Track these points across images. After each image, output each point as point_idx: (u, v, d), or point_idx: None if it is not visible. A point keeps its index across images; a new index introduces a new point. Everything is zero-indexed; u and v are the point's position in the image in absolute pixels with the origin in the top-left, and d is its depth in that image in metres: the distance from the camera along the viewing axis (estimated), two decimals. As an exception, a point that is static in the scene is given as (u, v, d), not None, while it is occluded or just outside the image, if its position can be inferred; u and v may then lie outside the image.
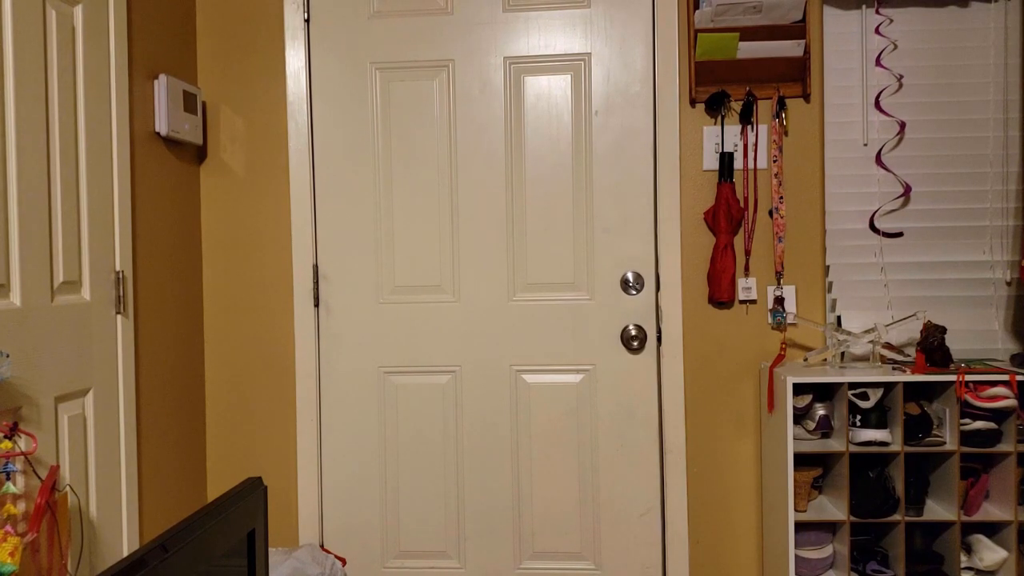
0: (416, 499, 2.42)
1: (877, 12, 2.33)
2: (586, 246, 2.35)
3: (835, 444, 2.12)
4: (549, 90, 2.36)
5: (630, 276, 2.33)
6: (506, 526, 2.38)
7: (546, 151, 2.37)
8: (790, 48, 2.22)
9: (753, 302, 2.36)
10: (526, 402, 2.38)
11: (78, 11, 1.88)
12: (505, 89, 2.37)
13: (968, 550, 2.11)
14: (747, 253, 2.35)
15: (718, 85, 2.33)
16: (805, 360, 2.27)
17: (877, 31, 2.34)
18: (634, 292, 2.33)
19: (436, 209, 2.39)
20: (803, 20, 2.23)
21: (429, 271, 2.40)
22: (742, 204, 2.34)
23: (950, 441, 2.07)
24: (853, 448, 2.08)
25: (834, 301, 2.36)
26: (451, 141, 2.38)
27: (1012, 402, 2.01)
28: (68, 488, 1.79)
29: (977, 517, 2.07)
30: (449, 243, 2.39)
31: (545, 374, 2.38)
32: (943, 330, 2.12)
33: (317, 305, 2.43)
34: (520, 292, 2.37)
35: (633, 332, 2.33)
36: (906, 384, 2.10)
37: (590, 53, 2.35)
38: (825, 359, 2.22)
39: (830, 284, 2.36)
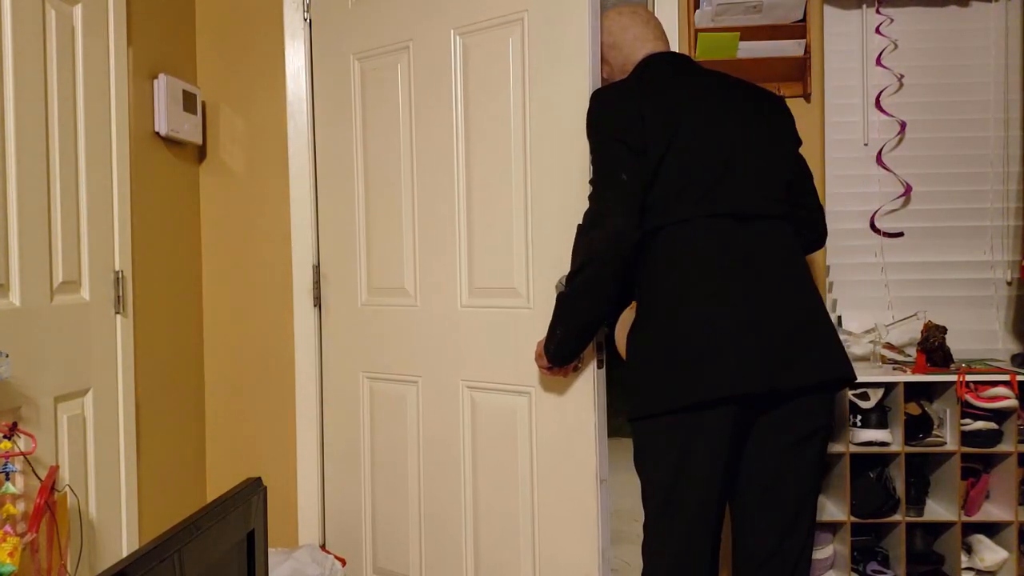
0: (389, 515, 2.27)
1: (877, 12, 2.33)
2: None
3: (835, 444, 2.11)
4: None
5: None
6: (460, 554, 2.13)
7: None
8: (790, 48, 2.21)
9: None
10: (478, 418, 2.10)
11: (78, 11, 1.88)
12: (454, 79, 2.09)
13: (969, 550, 2.11)
14: (747, 253, 2.35)
15: (718, 85, 2.33)
16: (805, 360, 2.27)
17: (877, 31, 2.33)
18: None
19: (400, 204, 2.20)
20: (803, 20, 2.22)
21: (400, 272, 2.22)
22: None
23: (951, 441, 2.07)
24: (853, 448, 2.07)
25: (834, 301, 2.36)
26: (412, 129, 2.19)
27: (1013, 402, 2.01)
28: (67, 488, 1.79)
29: (978, 517, 2.07)
30: (412, 241, 2.19)
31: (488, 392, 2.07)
32: (943, 330, 2.12)
33: (317, 305, 2.43)
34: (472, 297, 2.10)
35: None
36: (906, 384, 2.10)
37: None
38: (825, 359, 2.22)
39: (830, 284, 2.36)
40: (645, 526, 1.59)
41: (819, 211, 1.74)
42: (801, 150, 2.32)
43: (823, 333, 1.51)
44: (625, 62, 1.74)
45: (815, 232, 1.75)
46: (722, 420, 1.46)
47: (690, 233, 1.52)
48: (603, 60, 1.80)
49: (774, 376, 1.45)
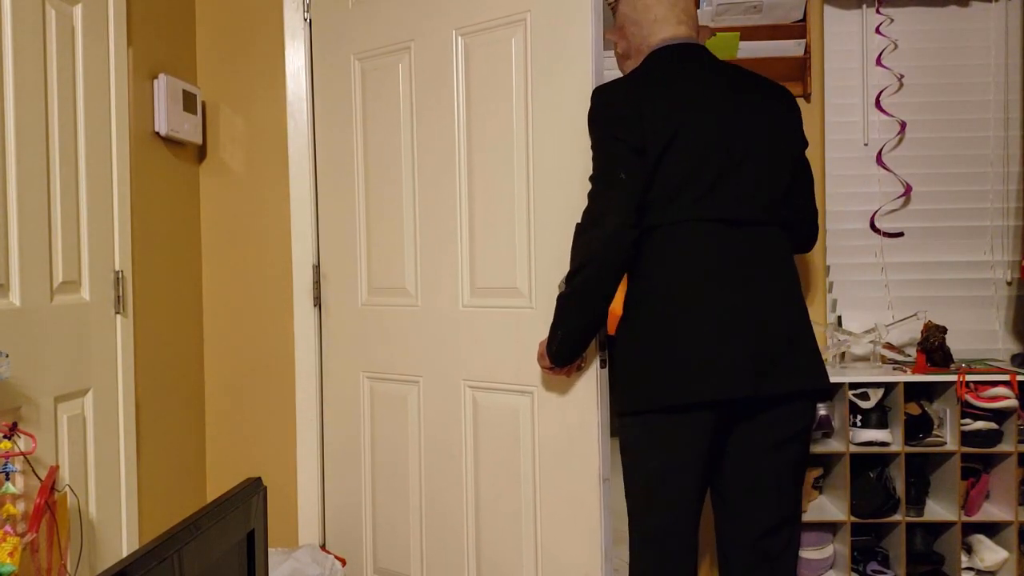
0: (390, 515, 2.26)
1: (877, 12, 2.33)
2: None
3: (836, 444, 2.11)
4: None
5: None
6: (462, 554, 2.13)
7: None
8: (790, 48, 2.22)
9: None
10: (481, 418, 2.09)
11: (78, 11, 1.88)
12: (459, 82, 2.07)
13: (969, 550, 2.11)
14: (747, 253, 2.35)
15: (718, 85, 2.32)
16: (805, 360, 2.27)
17: (877, 31, 2.33)
18: None
19: (401, 204, 2.19)
20: (803, 20, 2.22)
21: (401, 272, 2.20)
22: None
23: (951, 441, 2.07)
24: (854, 448, 2.07)
25: (834, 301, 2.36)
26: (413, 129, 2.17)
27: (1013, 402, 2.01)
28: (67, 488, 1.79)
29: (978, 517, 2.07)
30: (413, 240, 2.18)
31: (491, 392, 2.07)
32: (943, 330, 2.12)
33: (317, 305, 2.42)
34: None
35: None
36: (907, 384, 2.10)
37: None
38: (826, 359, 2.22)
39: (830, 284, 2.36)
40: (629, 521, 1.62)
41: (813, 218, 1.75)
42: (801, 150, 2.33)
43: (803, 344, 1.54)
44: (642, 43, 1.70)
45: (803, 236, 1.76)
46: (704, 421, 1.50)
47: (683, 235, 1.53)
48: (621, 34, 1.74)
49: (755, 382, 1.48)
